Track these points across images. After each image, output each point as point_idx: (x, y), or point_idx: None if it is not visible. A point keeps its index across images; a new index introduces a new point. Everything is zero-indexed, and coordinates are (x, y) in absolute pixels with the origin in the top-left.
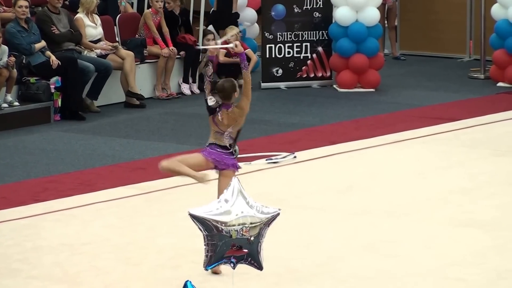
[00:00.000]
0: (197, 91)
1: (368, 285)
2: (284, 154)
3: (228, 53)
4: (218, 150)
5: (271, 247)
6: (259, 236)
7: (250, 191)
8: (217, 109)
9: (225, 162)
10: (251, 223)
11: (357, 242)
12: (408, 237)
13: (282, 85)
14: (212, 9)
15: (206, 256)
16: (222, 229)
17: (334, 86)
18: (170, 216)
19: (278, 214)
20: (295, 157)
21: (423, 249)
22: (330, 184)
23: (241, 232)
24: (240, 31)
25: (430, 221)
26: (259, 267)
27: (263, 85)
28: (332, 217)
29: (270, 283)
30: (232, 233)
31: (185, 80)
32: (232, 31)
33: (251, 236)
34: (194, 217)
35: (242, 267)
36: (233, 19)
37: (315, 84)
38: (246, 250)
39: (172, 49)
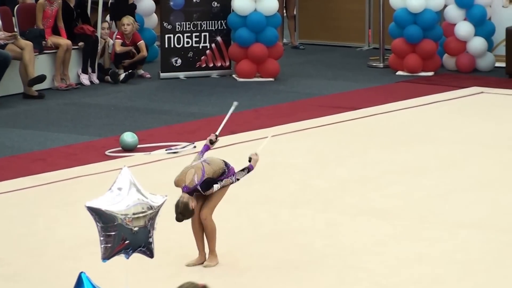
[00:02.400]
0: (96, 81)
1: (271, 275)
2: (184, 144)
3: (124, 43)
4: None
5: (172, 237)
6: (150, 224)
7: (150, 181)
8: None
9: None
10: (142, 212)
11: (260, 231)
12: (308, 226)
13: (181, 75)
14: (111, 0)
15: (103, 247)
16: (117, 219)
17: (233, 75)
18: (71, 206)
19: (165, 200)
20: (194, 147)
21: (324, 238)
22: None
23: (125, 221)
24: (136, 21)
25: (330, 210)
26: (151, 255)
27: (162, 75)
28: (233, 207)
29: (168, 274)
30: (125, 222)
31: (84, 71)
32: (127, 20)
33: (135, 226)
34: (91, 209)
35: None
36: (130, 9)
37: (214, 73)
38: (128, 242)
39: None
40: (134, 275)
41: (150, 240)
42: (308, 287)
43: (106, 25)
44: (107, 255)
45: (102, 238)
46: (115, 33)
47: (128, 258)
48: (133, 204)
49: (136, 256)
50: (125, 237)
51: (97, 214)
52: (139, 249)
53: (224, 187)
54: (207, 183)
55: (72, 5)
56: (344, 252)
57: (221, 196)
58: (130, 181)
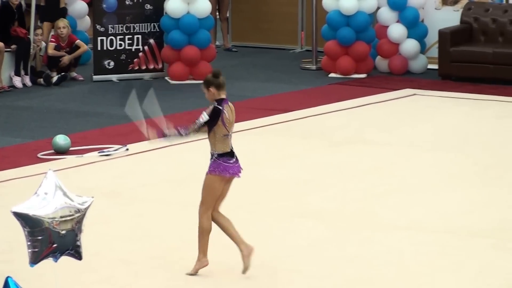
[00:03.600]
0: (29, 83)
1: (203, 277)
2: (117, 146)
3: (59, 46)
4: (231, 161)
5: (105, 239)
6: (78, 227)
7: (83, 184)
8: (219, 108)
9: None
10: (70, 215)
11: (193, 234)
12: (244, 229)
13: (114, 77)
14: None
15: (31, 252)
16: (44, 223)
17: (166, 78)
18: (3, 209)
19: (92, 201)
20: (127, 149)
21: (260, 241)
22: (163, 176)
23: (53, 224)
24: (69, 24)
25: (266, 213)
26: (79, 257)
27: (95, 77)
28: (167, 209)
29: (104, 276)
30: (52, 226)
31: (17, 73)
32: (62, 23)
33: (63, 230)
34: (17, 215)
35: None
36: (61, 13)
37: (147, 76)
38: (56, 245)
39: None
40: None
41: (78, 243)
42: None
43: (39, 31)
44: (34, 260)
45: (29, 243)
46: (50, 35)
47: (56, 261)
48: (60, 207)
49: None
50: (52, 240)
51: (24, 219)
52: (67, 252)
53: (212, 180)
54: None
55: (14, 6)
56: (279, 254)
57: (208, 189)
58: (55, 184)
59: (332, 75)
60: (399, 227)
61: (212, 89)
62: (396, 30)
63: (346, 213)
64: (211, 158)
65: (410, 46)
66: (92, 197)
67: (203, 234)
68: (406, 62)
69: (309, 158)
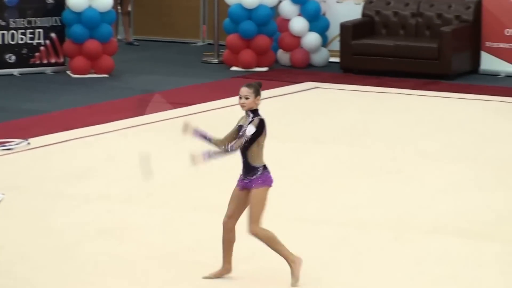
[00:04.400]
0: None
1: (102, 271)
2: (18, 140)
3: None
4: (270, 172)
5: (4, 234)
6: None
7: None
8: (263, 118)
9: None
10: None
11: (93, 227)
12: (144, 223)
13: (15, 71)
14: None
15: None
16: None
17: (68, 72)
18: None
19: (3, 198)
20: (28, 143)
21: (159, 234)
22: (66, 170)
23: None
24: None
25: (165, 206)
26: None
27: None
28: (68, 203)
29: (1, 271)
30: None
31: None
32: None
33: None
34: None
35: None
36: None
37: (48, 70)
38: None
39: None
40: None
41: None
42: (143, 282)
43: None
44: None
45: None
46: None
47: None
48: None
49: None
50: None
51: None
52: None
53: (264, 193)
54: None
55: None
56: (178, 247)
57: (261, 204)
58: None
59: (234, 68)
60: (301, 220)
61: (258, 98)
62: (298, 24)
63: None
64: (256, 172)
65: (311, 39)
66: (3, 193)
67: (275, 242)
68: (308, 55)
69: None
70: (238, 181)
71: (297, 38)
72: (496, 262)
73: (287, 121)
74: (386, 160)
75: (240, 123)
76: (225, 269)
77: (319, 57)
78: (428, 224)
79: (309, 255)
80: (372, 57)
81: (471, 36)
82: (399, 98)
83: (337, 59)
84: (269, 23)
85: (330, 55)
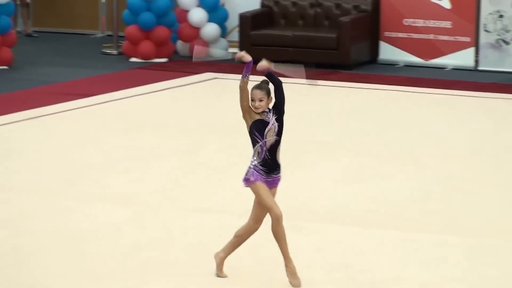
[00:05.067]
0: None
1: (8, 263)
2: None
3: None
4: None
5: None
6: None
7: None
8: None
9: None
10: None
11: None
12: (43, 213)
13: None
14: None
15: None
16: None
17: None
18: None
19: None
20: None
21: (58, 226)
22: None
23: None
24: None
25: (67, 196)
26: None
27: None
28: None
29: None
30: None
31: None
32: None
33: None
34: None
35: None
36: None
37: None
38: None
39: None
40: None
41: None
42: (41, 272)
43: None
44: None
45: None
46: None
47: None
48: None
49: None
50: None
51: None
52: None
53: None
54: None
55: None
56: (79, 237)
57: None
58: None
59: (133, 59)
60: (200, 210)
61: (271, 99)
62: (197, 14)
63: (147, 196)
64: (280, 169)
65: (210, 30)
66: None
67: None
68: (207, 46)
69: (109, 142)
70: (261, 180)
71: (196, 29)
72: (394, 249)
73: (186, 112)
74: (283, 149)
75: (256, 118)
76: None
77: (218, 47)
78: (325, 213)
79: (208, 244)
80: (271, 47)
81: (370, 26)
82: (298, 88)
83: (236, 50)
84: (168, 14)
85: (229, 45)
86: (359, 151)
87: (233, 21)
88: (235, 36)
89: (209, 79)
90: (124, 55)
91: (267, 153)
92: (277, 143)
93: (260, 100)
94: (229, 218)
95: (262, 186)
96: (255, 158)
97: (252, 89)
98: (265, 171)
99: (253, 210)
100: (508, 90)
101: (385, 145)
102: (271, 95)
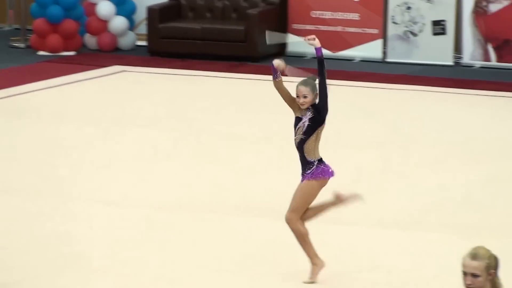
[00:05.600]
0: None
1: None
2: None
3: None
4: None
5: None
6: None
7: None
8: None
9: None
10: None
11: None
12: None
13: None
14: None
15: None
16: None
17: None
18: None
19: None
20: None
21: None
22: None
23: None
24: None
25: None
26: None
27: None
28: None
29: None
30: None
31: None
32: None
33: None
34: None
35: None
36: None
37: None
38: None
39: None
40: None
41: None
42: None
43: None
44: None
45: None
46: None
47: None
48: None
49: None
50: None
51: None
52: None
53: (313, 187)
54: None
55: None
56: None
57: (306, 196)
58: None
59: (41, 52)
60: (108, 203)
61: (317, 95)
62: (104, 8)
63: (48, 188)
64: (311, 166)
65: (118, 23)
66: None
67: (304, 239)
68: (115, 39)
69: (16, 135)
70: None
71: (104, 22)
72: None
73: (94, 105)
74: (194, 142)
75: (296, 114)
76: (316, 264)
77: (126, 40)
78: (237, 205)
79: (117, 237)
80: (179, 40)
81: (278, 18)
82: (207, 80)
83: (144, 43)
84: (76, 7)
85: (137, 38)
86: (267, 142)
87: (141, 14)
88: (143, 29)
89: (117, 72)
90: (32, 48)
91: (297, 150)
92: (303, 141)
93: (305, 97)
94: (135, 210)
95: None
96: None
97: (298, 85)
98: (301, 167)
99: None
100: (416, 81)
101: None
102: (316, 91)
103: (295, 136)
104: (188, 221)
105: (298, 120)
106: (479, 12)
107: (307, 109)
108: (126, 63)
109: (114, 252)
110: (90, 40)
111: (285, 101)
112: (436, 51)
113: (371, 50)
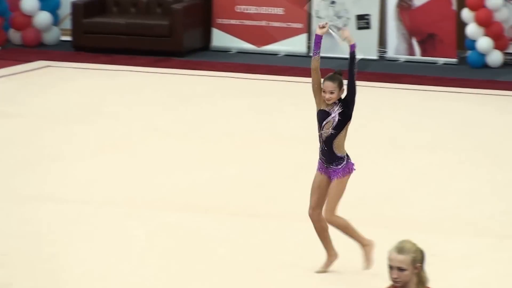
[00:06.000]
0: None
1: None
2: None
3: None
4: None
5: None
6: None
7: None
8: None
9: None
10: None
11: None
12: None
13: None
14: None
15: None
16: None
17: None
18: None
19: None
20: None
21: None
22: None
23: None
24: None
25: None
26: None
27: None
28: None
29: None
30: None
31: None
32: None
33: None
34: None
35: None
36: None
37: None
38: None
39: None
40: None
41: None
42: None
43: None
44: None
45: None
46: None
47: None
48: None
49: None
50: None
51: None
52: None
53: (345, 183)
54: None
55: None
56: None
57: (341, 194)
58: None
59: None
60: (38, 198)
61: (343, 90)
62: (29, 3)
63: None
64: (341, 162)
65: (42, 18)
66: None
67: (349, 229)
68: (40, 34)
69: None
70: (320, 168)
71: (29, 17)
72: (226, 238)
73: (19, 100)
74: (118, 137)
75: (321, 107)
76: (331, 256)
77: (51, 36)
78: (158, 200)
79: (44, 232)
80: (104, 35)
81: (203, 13)
82: (132, 75)
83: (69, 38)
84: (0, 2)
85: (62, 33)
86: (190, 137)
87: (65, 9)
88: (67, 24)
89: (41, 67)
90: None
91: (324, 144)
92: (333, 136)
93: (331, 93)
94: (61, 205)
95: (314, 179)
96: (319, 145)
97: (324, 80)
98: (323, 161)
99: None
100: None
101: (214, 132)
102: (343, 87)
103: (322, 130)
104: (115, 216)
105: (324, 113)
106: (403, 6)
107: (334, 103)
108: (50, 58)
109: (41, 249)
110: (14, 35)
111: (313, 86)
112: (361, 45)
113: (295, 44)
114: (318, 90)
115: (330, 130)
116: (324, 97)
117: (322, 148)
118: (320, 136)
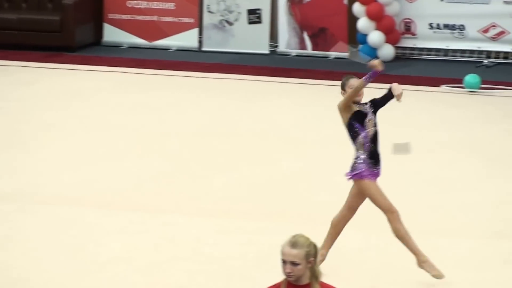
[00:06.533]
0: None
1: None
2: None
3: None
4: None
5: None
6: None
7: None
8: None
9: None
10: None
11: None
12: None
13: None
14: None
15: None
16: None
17: None
18: None
19: None
20: None
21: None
22: None
23: None
24: None
25: None
26: None
27: None
28: None
29: None
30: None
31: None
32: None
33: None
34: None
35: None
36: None
37: None
38: None
39: None
40: None
41: None
42: None
43: None
44: None
45: None
46: None
47: None
48: None
49: None
50: None
51: None
52: None
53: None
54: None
55: None
56: None
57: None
58: None
59: None
60: None
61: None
62: None
63: None
64: (380, 160)
65: None
66: None
67: (406, 236)
68: None
69: None
70: (369, 175)
71: None
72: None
73: None
74: (11, 132)
75: (356, 109)
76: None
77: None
78: (51, 195)
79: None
80: None
81: (94, 8)
82: (24, 71)
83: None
84: None
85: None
86: (77, 132)
87: None
88: None
89: None
90: None
91: (371, 144)
92: (376, 134)
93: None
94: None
95: (373, 185)
96: (361, 152)
97: (349, 79)
98: (373, 163)
99: (348, 199)
100: (231, 70)
101: (120, 126)
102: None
103: (367, 129)
104: (9, 210)
105: (361, 114)
106: (294, 0)
107: (362, 104)
108: None
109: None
110: None
111: (350, 101)
112: (252, 40)
113: (187, 39)
114: (349, 107)
115: (374, 128)
116: (356, 99)
117: (370, 149)
118: (366, 135)
